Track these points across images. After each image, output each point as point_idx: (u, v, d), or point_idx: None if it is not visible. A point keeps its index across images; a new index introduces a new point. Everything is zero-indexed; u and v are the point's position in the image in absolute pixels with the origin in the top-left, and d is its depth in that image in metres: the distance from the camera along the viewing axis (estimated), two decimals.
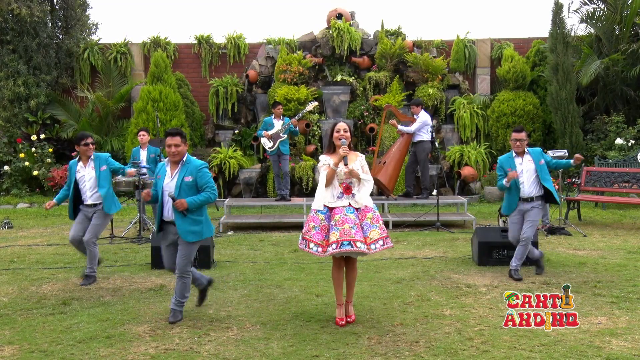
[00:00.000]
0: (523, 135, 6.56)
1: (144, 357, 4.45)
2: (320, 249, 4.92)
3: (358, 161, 5.11)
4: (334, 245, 4.83)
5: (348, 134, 5.07)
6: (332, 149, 5.13)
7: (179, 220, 5.12)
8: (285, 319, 5.26)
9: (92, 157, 6.72)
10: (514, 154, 6.65)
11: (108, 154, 6.92)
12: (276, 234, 9.80)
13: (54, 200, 6.78)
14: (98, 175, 6.66)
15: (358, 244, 4.81)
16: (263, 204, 11.64)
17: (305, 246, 5.00)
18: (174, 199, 5.01)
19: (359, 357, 4.38)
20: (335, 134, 5.09)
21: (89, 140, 6.72)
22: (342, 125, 5.10)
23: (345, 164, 4.98)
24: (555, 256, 7.68)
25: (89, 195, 6.63)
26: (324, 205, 5.01)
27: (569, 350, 4.43)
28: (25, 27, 14.13)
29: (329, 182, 5.01)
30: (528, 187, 6.54)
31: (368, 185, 5.10)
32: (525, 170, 6.55)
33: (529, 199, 6.55)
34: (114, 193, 6.88)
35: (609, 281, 6.36)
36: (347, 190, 5.03)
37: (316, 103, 11.73)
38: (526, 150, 6.62)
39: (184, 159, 5.22)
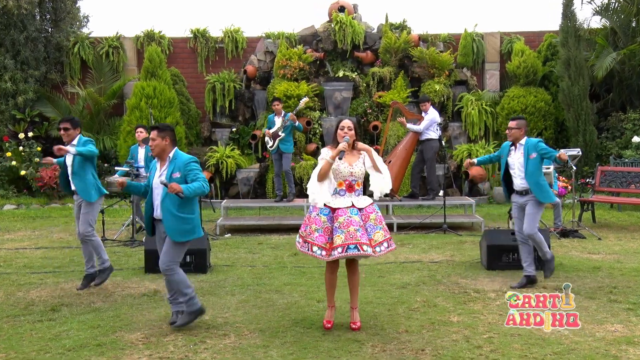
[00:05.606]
0: (514, 123, 6.43)
1: None
2: (324, 252, 4.90)
3: (361, 159, 5.13)
4: (339, 249, 4.82)
5: (352, 132, 5.10)
6: (335, 144, 5.14)
7: (167, 218, 5.08)
8: (285, 326, 5.23)
9: (74, 143, 6.51)
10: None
11: (86, 139, 6.59)
12: (275, 236, 9.70)
13: (55, 160, 6.79)
14: (73, 162, 6.49)
15: (364, 247, 4.83)
16: (262, 205, 11.59)
17: (308, 249, 4.98)
18: (165, 185, 4.98)
19: None
20: (339, 132, 5.13)
21: (62, 125, 6.56)
22: (346, 123, 5.14)
23: (340, 159, 4.98)
24: (568, 260, 7.57)
25: (71, 180, 6.55)
26: (325, 205, 4.98)
27: (583, 358, 4.40)
28: (13, 20, 14.00)
29: (322, 176, 4.97)
30: (519, 180, 6.42)
31: (384, 177, 5.10)
32: (516, 162, 6.43)
33: (523, 192, 6.43)
34: (96, 178, 6.61)
35: (625, 287, 6.30)
36: (350, 188, 5.04)
37: (307, 99, 11.55)
38: (522, 142, 6.47)
39: (171, 154, 5.19)
